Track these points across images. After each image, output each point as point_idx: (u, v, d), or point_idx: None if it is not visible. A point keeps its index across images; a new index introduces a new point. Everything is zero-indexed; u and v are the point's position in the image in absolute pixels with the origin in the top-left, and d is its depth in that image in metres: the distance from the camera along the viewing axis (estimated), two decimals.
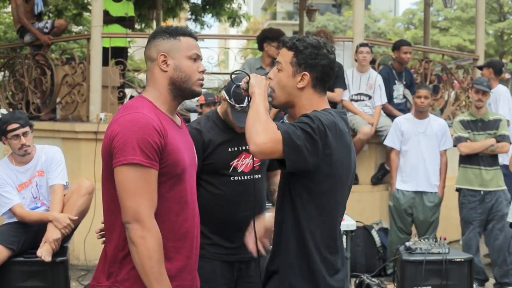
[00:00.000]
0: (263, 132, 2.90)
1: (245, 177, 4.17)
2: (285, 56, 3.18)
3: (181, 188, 3.07)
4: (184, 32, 3.13)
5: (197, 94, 3.17)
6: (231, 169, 4.14)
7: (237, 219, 4.13)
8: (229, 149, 4.15)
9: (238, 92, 3.46)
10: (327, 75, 3.18)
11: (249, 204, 4.07)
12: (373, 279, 6.32)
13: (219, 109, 4.24)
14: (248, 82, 3.18)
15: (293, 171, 3.04)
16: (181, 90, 3.10)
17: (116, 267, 2.97)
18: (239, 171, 4.15)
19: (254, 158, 4.05)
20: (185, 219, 3.09)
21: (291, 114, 3.27)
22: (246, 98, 3.23)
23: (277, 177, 4.53)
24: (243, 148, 4.16)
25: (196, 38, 3.17)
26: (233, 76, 3.41)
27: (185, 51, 3.10)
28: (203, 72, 3.16)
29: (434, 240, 6.07)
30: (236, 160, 4.16)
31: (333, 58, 3.21)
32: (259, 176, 4.26)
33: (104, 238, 3.16)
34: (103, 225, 3.15)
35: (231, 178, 4.14)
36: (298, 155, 2.92)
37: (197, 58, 3.14)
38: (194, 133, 4.09)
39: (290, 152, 2.91)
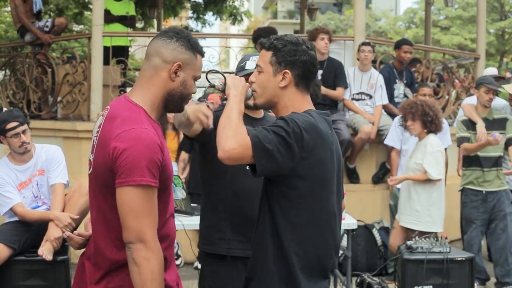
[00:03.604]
0: (232, 138, 2.85)
1: None
2: (264, 56, 3.13)
3: (168, 199, 3.06)
4: (201, 51, 3.04)
5: (181, 111, 3.15)
6: None
7: (250, 212, 4.08)
8: None
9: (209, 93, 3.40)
10: (309, 72, 3.12)
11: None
12: (374, 278, 6.33)
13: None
14: (224, 83, 3.15)
15: (265, 176, 3.01)
16: (172, 104, 3.03)
17: (110, 276, 2.92)
18: None
19: None
20: (171, 228, 3.09)
21: (274, 114, 3.24)
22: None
23: None
24: None
25: (203, 57, 3.12)
26: (209, 76, 3.34)
27: (196, 70, 3.03)
28: (194, 93, 3.10)
29: (435, 239, 6.07)
30: None
31: (313, 54, 3.15)
32: None
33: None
34: (85, 234, 3.17)
35: (246, 168, 4.09)
36: (269, 160, 2.87)
37: (197, 79, 3.10)
38: None
39: (260, 157, 2.86)
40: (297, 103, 3.11)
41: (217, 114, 3.62)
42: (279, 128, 2.89)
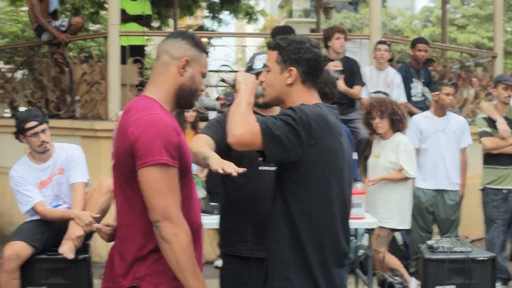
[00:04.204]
0: (240, 124, 2.98)
1: (273, 168, 4.13)
2: (271, 56, 3.29)
3: (190, 186, 3.16)
4: (206, 50, 3.24)
5: (191, 107, 3.34)
6: (259, 157, 4.10)
7: (265, 212, 4.09)
8: None
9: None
10: (314, 69, 3.26)
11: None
12: (395, 278, 6.29)
13: None
14: (235, 79, 3.28)
15: (275, 162, 3.15)
16: (183, 99, 3.18)
17: (136, 265, 3.00)
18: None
19: None
20: (195, 214, 3.18)
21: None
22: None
23: None
24: None
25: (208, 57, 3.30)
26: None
27: (202, 66, 3.21)
28: (203, 90, 3.23)
29: (456, 238, 6.03)
30: None
31: (317, 52, 3.28)
32: None
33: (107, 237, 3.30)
34: (113, 224, 3.25)
35: (259, 168, 4.09)
36: (277, 146, 2.98)
37: (205, 76, 3.26)
38: (224, 119, 4.10)
39: (269, 143, 2.98)
40: (305, 98, 3.23)
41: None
42: (287, 116, 3.01)
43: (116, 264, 3.08)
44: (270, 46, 3.31)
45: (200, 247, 3.22)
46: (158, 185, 2.87)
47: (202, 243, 3.26)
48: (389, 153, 6.66)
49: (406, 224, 6.80)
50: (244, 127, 2.97)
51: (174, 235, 2.88)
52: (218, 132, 4.04)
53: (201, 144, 3.88)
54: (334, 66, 8.02)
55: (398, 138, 6.71)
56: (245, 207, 4.07)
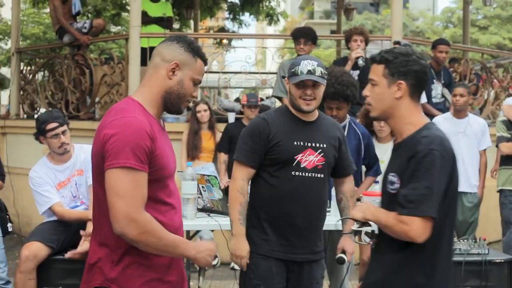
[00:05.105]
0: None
1: (307, 174, 4.19)
2: (376, 70, 3.25)
3: (168, 190, 3.15)
4: (202, 56, 3.20)
5: (180, 112, 3.26)
6: (295, 163, 4.17)
7: (292, 216, 4.15)
8: (295, 143, 4.20)
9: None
10: (422, 81, 3.23)
11: (306, 203, 4.11)
12: None
13: (288, 102, 4.34)
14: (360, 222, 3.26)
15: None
16: (170, 103, 3.15)
17: (109, 267, 3.02)
18: (301, 166, 4.18)
19: (319, 156, 4.16)
20: (172, 219, 3.15)
21: (389, 125, 3.33)
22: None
23: (345, 186, 4.54)
24: (309, 144, 4.21)
25: (206, 65, 3.27)
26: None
27: (194, 72, 3.17)
28: (194, 97, 3.24)
29: (474, 240, 6.00)
30: (300, 155, 4.19)
31: (425, 64, 3.25)
32: (321, 176, 4.26)
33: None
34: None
35: (292, 173, 4.16)
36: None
37: (198, 84, 3.22)
38: (261, 123, 4.23)
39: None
40: (412, 113, 3.22)
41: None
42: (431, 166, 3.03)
43: (104, 258, 3.08)
44: (376, 60, 3.27)
45: None
46: (121, 188, 2.87)
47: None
48: None
49: None
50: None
51: (142, 234, 2.89)
52: (255, 157, 4.22)
53: (236, 206, 4.21)
54: (355, 54, 8.01)
55: None
56: (267, 208, 4.16)
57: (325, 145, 4.26)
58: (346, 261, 4.30)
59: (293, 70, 4.21)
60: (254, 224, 4.27)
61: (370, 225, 3.24)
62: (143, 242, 2.92)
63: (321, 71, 4.17)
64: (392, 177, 3.16)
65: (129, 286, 3.01)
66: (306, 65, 4.14)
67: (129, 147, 2.87)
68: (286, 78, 4.31)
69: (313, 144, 4.22)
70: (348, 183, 4.55)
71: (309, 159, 4.19)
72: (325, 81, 4.23)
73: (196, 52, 3.16)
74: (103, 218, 3.02)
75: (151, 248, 2.95)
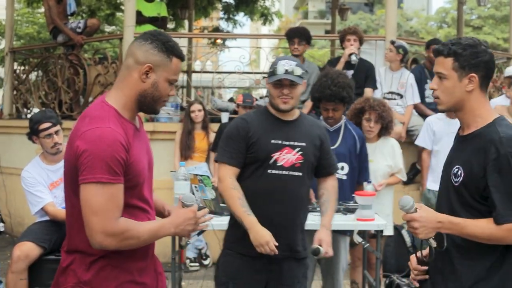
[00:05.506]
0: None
1: (283, 172, 4.20)
2: (445, 64, 3.17)
3: (143, 194, 3.12)
4: (178, 54, 3.10)
5: (156, 113, 3.21)
6: (271, 161, 4.18)
7: (269, 214, 4.15)
8: (272, 141, 4.22)
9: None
10: (491, 71, 3.18)
11: (283, 201, 4.11)
12: (403, 279, 6.26)
13: (268, 103, 4.37)
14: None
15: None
16: (145, 105, 3.08)
17: (83, 270, 3.00)
18: (278, 164, 4.19)
19: (297, 155, 4.18)
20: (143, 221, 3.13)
21: (458, 117, 3.28)
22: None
23: (327, 182, 4.54)
24: (286, 143, 4.23)
25: (183, 61, 3.18)
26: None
27: (170, 73, 3.08)
28: (171, 96, 3.17)
29: None
30: (278, 153, 4.20)
31: (491, 53, 3.20)
32: (300, 174, 4.26)
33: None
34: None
35: (268, 171, 4.17)
36: None
37: (174, 83, 3.14)
38: (241, 123, 4.26)
39: None
40: (482, 105, 3.18)
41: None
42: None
43: (76, 263, 3.06)
44: (443, 53, 3.17)
45: (152, 251, 3.25)
46: (95, 204, 2.83)
47: (154, 247, 3.27)
48: (387, 158, 6.43)
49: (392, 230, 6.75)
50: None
51: (120, 242, 2.89)
52: (237, 156, 4.22)
53: (236, 201, 4.15)
54: (349, 50, 8.04)
55: (390, 141, 6.53)
56: (255, 207, 4.15)
57: (304, 144, 4.27)
58: (322, 253, 4.26)
59: (271, 70, 4.25)
60: (232, 223, 4.32)
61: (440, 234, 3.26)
62: (124, 247, 2.93)
63: (299, 71, 4.19)
64: (458, 170, 3.16)
65: None
66: (283, 65, 4.18)
67: (104, 161, 2.82)
68: (266, 78, 4.36)
69: (291, 143, 4.24)
70: (331, 181, 4.54)
71: (287, 157, 4.21)
72: (302, 80, 4.24)
73: (171, 51, 3.07)
74: (75, 225, 2.99)
75: (134, 247, 2.98)
